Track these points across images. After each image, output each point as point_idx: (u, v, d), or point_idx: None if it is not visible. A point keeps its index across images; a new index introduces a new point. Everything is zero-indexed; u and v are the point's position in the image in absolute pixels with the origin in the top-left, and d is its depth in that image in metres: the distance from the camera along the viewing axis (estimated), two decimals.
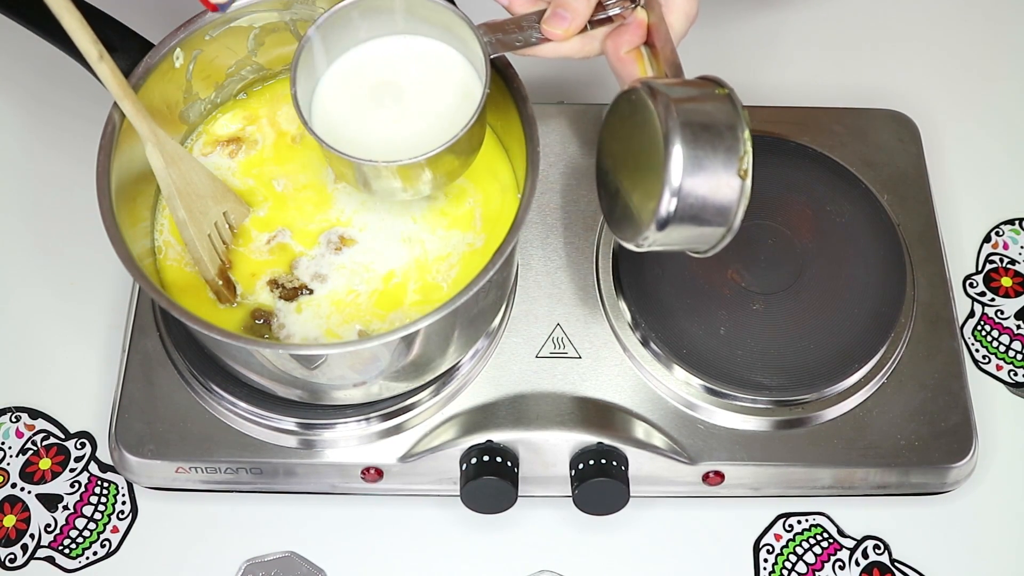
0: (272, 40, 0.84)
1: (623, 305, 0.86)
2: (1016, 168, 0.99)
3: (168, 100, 0.81)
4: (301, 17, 0.83)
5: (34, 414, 0.88)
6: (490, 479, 0.80)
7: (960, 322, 0.91)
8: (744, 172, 0.69)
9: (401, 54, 0.80)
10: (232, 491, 0.84)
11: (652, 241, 0.71)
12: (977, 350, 0.91)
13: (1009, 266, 0.94)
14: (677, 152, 0.68)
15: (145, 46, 0.79)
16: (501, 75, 0.78)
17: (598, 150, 0.77)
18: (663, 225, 0.69)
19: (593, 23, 0.77)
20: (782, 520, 0.85)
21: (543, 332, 0.86)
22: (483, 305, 0.79)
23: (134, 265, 0.73)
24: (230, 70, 0.84)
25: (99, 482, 0.86)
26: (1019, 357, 0.91)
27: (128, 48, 0.78)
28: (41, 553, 0.83)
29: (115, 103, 0.76)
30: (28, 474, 0.86)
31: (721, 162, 0.68)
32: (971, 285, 0.94)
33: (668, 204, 0.68)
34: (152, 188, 0.82)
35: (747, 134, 0.69)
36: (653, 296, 0.86)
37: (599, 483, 0.80)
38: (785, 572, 0.83)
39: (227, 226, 0.81)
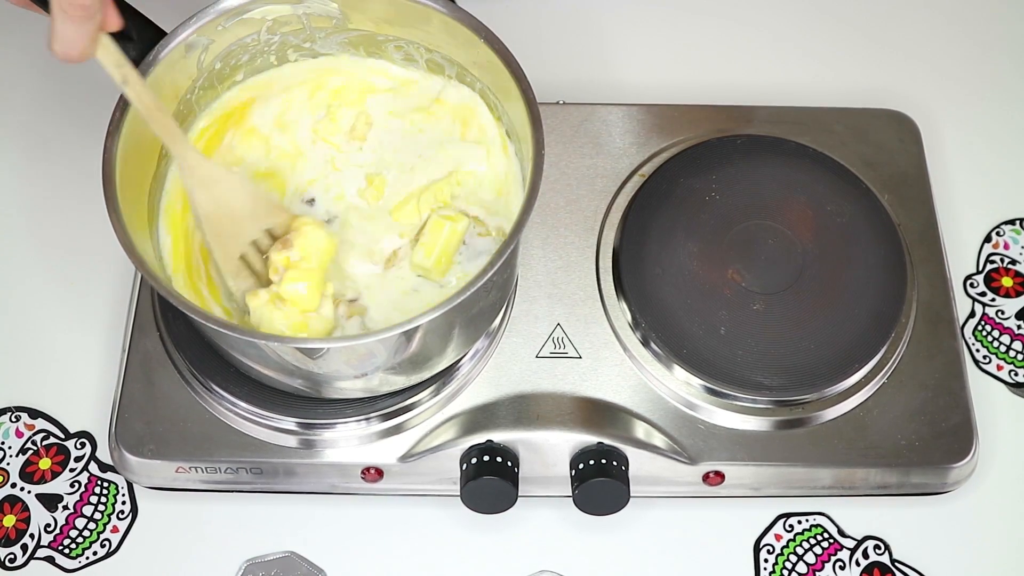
0: (285, 33, 0.84)
1: (623, 305, 0.86)
2: (1016, 168, 0.99)
3: (177, 89, 0.81)
4: (314, 11, 0.83)
5: (34, 414, 0.88)
6: (490, 479, 0.80)
7: (961, 322, 0.91)
8: None
9: None
10: (232, 491, 0.84)
11: None
12: (978, 350, 0.91)
13: (1010, 266, 0.94)
14: None
15: (160, 35, 0.79)
16: (513, 75, 0.79)
17: None
18: None
19: None
20: (782, 520, 0.85)
21: (543, 332, 0.86)
22: (483, 305, 0.79)
23: (140, 260, 0.73)
24: (243, 60, 0.84)
25: (99, 482, 0.86)
26: (1020, 357, 0.91)
27: (144, 38, 0.78)
28: (41, 553, 0.83)
29: (121, 98, 0.76)
30: (28, 474, 0.86)
31: None
32: (972, 285, 0.94)
33: None
34: (159, 186, 0.82)
35: None
36: (653, 296, 0.86)
37: (599, 483, 0.80)
38: (785, 572, 0.83)
39: (269, 240, 0.78)
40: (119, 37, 0.74)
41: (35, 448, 0.87)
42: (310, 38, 0.85)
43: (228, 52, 0.82)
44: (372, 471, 0.82)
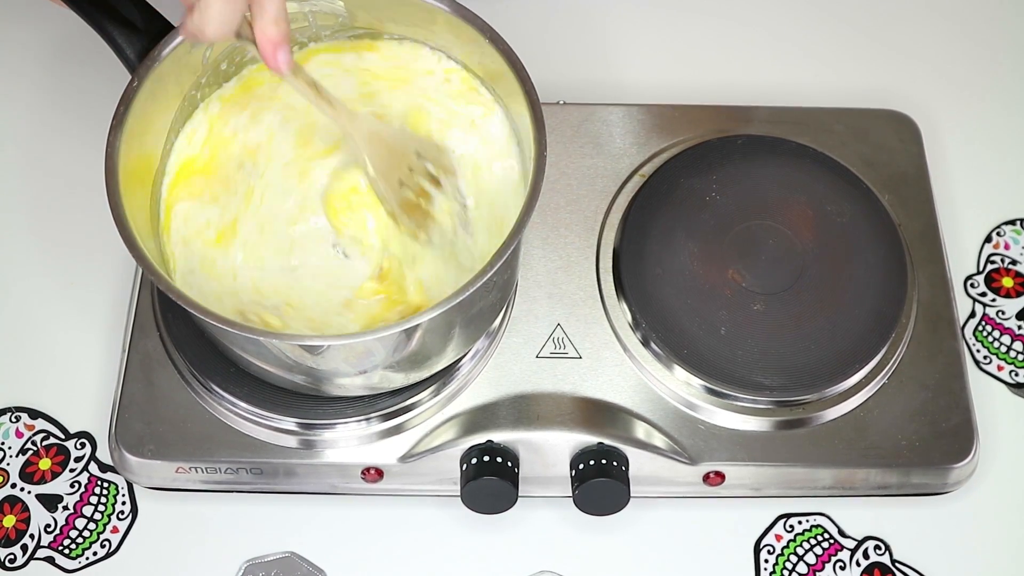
0: (290, 30, 0.84)
1: (623, 305, 0.86)
2: (1016, 168, 0.99)
3: (182, 85, 0.81)
4: (320, 9, 0.83)
5: (34, 414, 0.88)
6: (490, 479, 0.80)
7: (961, 322, 0.91)
8: None
9: None
10: (232, 491, 0.84)
11: None
12: (978, 350, 0.91)
13: (1010, 266, 0.94)
14: None
15: (167, 28, 0.78)
16: (518, 77, 0.79)
17: None
18: None
19: None
20: (783, 520, 0.85)
21: (543, 332, 0.86)
22: (483, 305, 0.79)
23: (143, 257, 0.72)
24: (247, 56, 0.84)
25: (99, 482, 0.86)
26: (1020, 357, 0.91)
27: (151, 30, 0.77)
28: (41, 553, 0.83)
29: (124, 94, 0.76)
30: (28, 474, 0.86)
31: None
32: (972, 285, 0.94)
33: None
34: (161, 182, 0.82)
35: None
36: (653, 296, 0.86)
37: (599, 483, 0.80)
38: (786, 572, 0.83)
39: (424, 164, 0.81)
40: (127, 28, 0.74)
41: (35, 448, 0.87)
42: (315, 36, 0.85)
43: (233, 48, 0.82)
44: (372, 471, 0.82)
